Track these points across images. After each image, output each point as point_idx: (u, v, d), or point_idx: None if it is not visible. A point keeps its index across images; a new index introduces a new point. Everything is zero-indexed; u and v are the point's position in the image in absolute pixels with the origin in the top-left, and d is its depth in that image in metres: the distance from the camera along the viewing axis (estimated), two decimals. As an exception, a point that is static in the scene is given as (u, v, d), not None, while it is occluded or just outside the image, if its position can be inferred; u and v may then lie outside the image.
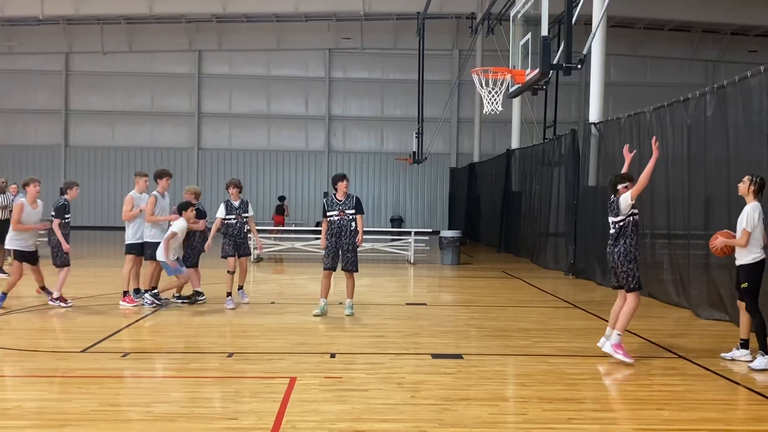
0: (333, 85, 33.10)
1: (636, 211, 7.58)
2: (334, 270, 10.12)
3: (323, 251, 10.18)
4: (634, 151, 8.20)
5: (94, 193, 32.14)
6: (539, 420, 5.50)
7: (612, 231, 7.68)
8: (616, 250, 7.57)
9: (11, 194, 14.76)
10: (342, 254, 10.06)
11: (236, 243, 10.89)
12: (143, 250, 10.71)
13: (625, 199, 7.48)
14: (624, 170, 7.96)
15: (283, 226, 26.45)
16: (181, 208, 10.61)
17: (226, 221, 10.89)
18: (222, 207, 10.96)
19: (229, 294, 10.75)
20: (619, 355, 7.35)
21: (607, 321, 9.64)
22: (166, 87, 32.75)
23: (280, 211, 27.22)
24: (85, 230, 29.80)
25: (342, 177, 10.16)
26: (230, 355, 7.56)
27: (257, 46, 32.49)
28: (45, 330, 9.03)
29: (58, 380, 6.54)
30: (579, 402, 6.04)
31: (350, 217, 9.99)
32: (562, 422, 5.45)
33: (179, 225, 10.43)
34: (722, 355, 7.65)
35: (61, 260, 10.41)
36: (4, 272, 13.53)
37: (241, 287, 11.22)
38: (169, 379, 6.73)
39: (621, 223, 7.55)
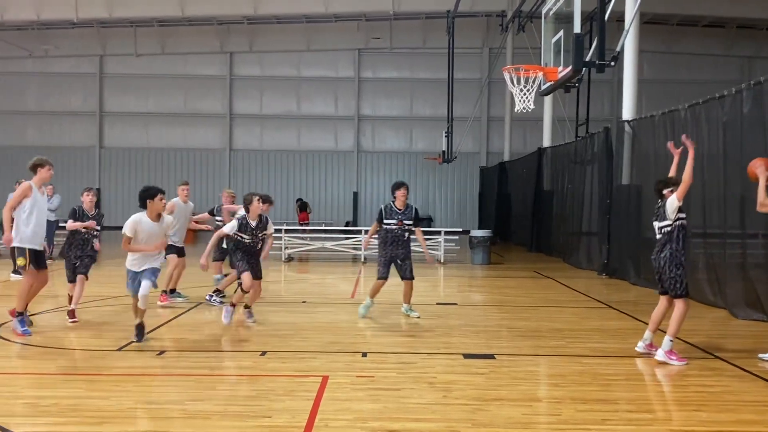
0: (362, 85, 33.16)
1: (683, 215, 7.46)
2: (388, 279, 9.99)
3: (379, 259, 9.92)
4: (681, 147, 7.89)
5: (128, 194, 32.50)
6: (573, 421, 5.45)
7: (658, 236, 7.57)
8: (662, 255, 7.46)
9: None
10: (400, 264, 9.86)
11: (249, 261, 9.30)
12: (183, 251, 11.09)
13: (672, 202, 7.37)
14: (673, 167, 7.89)
15: (308, 222, 26.81)
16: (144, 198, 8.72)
17: (238, 237, 9.28)
18: (235, 223, 9.26)
19: (232, 305, 9.37)
20: (673, 361, 7.25)
21: (641, 321, 9.60)
22: (199, 89, 33.10)
23: (304, 207, 27.67)
24: (119, 230, 30.18)
25: (401, 185, 9.84)
26: (263, 353, 7.61)
27: (287, 47, 32.67)
28: (81, 328, 9.16)
29: (95, 378, 6.63)
30: (613, 403, 5.97)
31: (407, 227, 9.80)
32: (597, 423, 5.40)
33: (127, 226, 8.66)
34: (760, 355, 7.51)
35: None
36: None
37: (248, 307, 9.58)
38: (203, 377, 6.79)
39: (667, 229, 7.45)
